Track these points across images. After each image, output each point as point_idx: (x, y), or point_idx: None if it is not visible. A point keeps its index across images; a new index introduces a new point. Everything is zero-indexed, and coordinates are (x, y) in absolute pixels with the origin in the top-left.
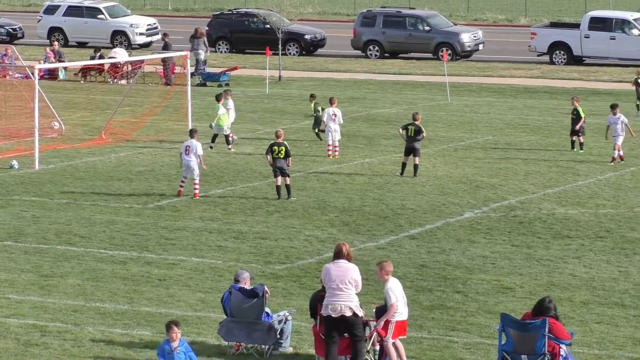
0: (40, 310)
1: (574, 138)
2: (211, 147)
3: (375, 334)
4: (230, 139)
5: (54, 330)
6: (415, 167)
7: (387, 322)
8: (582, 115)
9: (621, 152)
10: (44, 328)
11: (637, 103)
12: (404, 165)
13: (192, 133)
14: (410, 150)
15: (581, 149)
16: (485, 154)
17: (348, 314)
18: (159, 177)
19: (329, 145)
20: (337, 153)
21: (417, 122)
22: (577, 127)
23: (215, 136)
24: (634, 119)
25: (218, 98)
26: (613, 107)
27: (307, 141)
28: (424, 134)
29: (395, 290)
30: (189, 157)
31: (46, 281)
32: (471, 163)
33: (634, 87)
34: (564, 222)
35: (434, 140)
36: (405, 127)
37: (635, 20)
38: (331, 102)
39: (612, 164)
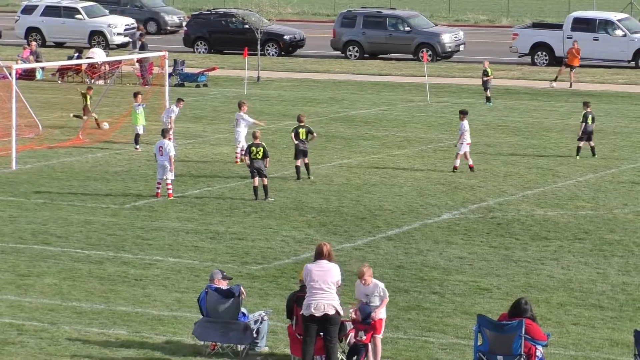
0: (16, 309)
1: (582, 144)
2: (138, 149)
3: (351, 334)
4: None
5: (30, 329)
6: (307, 165)
7: (379, 319)
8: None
9: (470, 161)
10: (21, 327)
11: (488, 95)
12: (298, 168)
13: (164, 133)
14: (303, 153)
15: (593, 153)
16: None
17: (331, 312)
18: (135, 177)
19: (238, 152)
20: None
21: (304, 124)
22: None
23: (137, 136)
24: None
25: (135, 95)
26: (462, 113)
27: (285, 142)
28: (315, 135)
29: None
30: (163, 158)
31: (23, 280)
32: (450, 164)
33: (482, 80)
34: (542, 223)
35: (413, 141)
36: (297, 131)
37: (619, 21)
38: (242, 106)
39: (454, 172)
